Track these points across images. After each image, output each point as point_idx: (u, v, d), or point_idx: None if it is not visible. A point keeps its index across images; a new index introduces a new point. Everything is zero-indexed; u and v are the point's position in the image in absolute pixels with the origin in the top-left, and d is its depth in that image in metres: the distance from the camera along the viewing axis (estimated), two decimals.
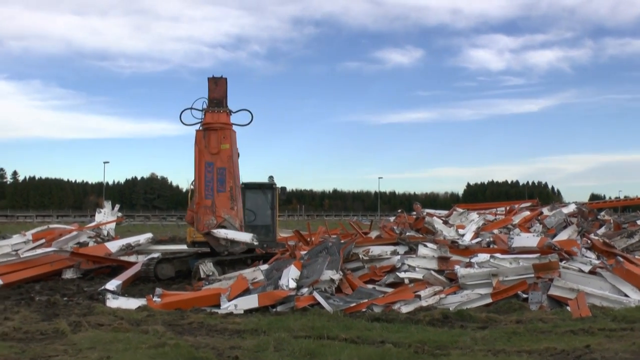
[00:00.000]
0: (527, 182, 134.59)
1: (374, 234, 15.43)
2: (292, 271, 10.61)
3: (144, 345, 6.94)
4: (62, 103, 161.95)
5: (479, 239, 13.79)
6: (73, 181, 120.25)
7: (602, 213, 19.13)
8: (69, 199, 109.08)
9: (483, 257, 10.88)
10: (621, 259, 10.34)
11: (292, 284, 10.18)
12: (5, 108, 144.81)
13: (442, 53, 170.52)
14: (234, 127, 13.92)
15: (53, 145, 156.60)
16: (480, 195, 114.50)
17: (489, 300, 9.67)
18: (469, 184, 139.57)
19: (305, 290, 9.94)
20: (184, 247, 17.09)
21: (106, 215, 19.33)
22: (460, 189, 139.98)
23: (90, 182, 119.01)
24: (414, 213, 18.05)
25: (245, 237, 13.52)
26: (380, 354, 6.56)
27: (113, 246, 15.96)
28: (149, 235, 17.52)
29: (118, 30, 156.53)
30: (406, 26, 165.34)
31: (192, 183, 14.12)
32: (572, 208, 16.77)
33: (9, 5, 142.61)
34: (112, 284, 12.01)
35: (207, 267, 12.78)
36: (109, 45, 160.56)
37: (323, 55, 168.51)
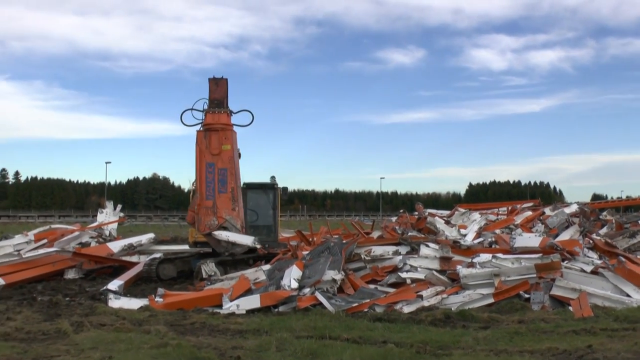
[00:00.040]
0: (529, 182, 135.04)
1: (376, 234, 15.42)
2: (294, 271, 10.60)
3: (146, 346, 6.94)
4: (64, 103, 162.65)
5: (481, 239, 13.76)
6: (75, 181, 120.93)
7: (604, 213, 19.05)
8: (71, 199, 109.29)
9: (485, 257, 10.85)
10: (623, 259, 10.33)
11: (294, 284, 10.17)
12: (7, 108, 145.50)
13: (444, 53, 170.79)
14: (235, 128, 13.93)
15: (55, 146, 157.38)
16: (482, 195, 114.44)
17: (491, 300, 9.66)
18: (471, 184, 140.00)
19: (307, 290, 9.93)
20: (186, 247, 17.11)
21: (108, 216, 19.35)
22: (462, 189, 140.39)
23: (92, 182, 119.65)
24: (416, 213, 18.04)
25: (247, 240, 13.46)
26: (382, 354, 6.55)
27: (115, 246, 15.94)
28: (151, 235, 17.51)
29: (120, 31, 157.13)
30: (408, 26, 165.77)
31: (193, 183, 14.11)
32: (574, 208, 16.74)
33: (10, 5, 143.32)
34: (114, 284, 11.99)
35: (209, 268, 12.77)
36: (111, 46, 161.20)
37: (325, 55, 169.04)
